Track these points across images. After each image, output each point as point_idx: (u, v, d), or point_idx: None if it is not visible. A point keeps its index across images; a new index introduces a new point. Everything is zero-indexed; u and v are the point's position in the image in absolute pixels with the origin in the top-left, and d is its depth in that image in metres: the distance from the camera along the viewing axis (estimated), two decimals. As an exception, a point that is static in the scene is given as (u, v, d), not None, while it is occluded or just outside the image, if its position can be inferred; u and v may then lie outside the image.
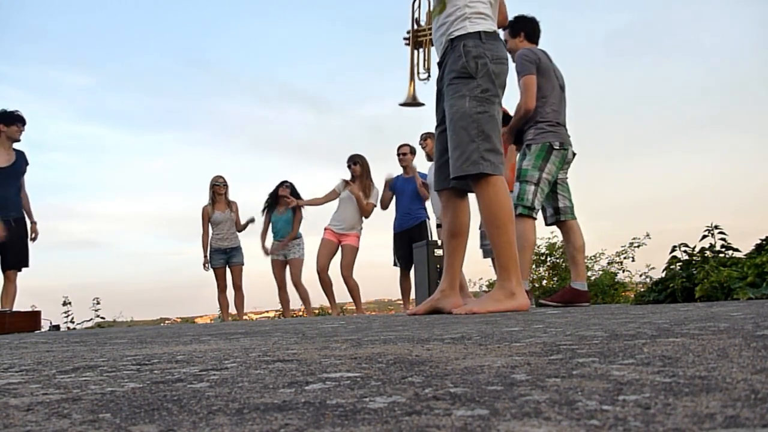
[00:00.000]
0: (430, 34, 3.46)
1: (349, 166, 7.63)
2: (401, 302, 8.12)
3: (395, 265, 7.53)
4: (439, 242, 6.69)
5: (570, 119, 4.52)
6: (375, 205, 7.57)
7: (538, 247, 10.81)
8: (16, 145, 6.14)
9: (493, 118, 2.94)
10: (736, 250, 3.89)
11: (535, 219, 4.34)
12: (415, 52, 3.58)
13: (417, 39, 3.56)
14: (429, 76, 3.55)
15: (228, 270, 7.97)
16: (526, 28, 4.61)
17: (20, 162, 6.14)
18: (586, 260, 10.91)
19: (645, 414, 0.55)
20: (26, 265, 6.12)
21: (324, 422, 0.58)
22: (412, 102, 3.57)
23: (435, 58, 3.39)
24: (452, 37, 3.02)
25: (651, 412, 0.56)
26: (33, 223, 6.31)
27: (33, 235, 6.33)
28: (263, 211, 8.11)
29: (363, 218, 7.63)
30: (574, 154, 4.44)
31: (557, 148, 4.33)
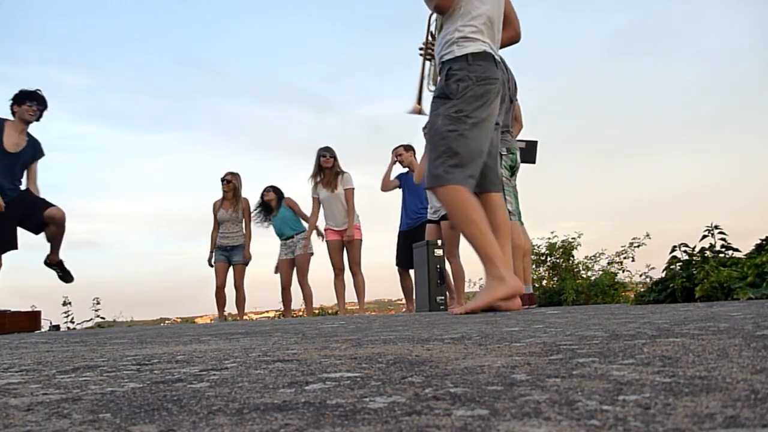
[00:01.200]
0: None
1: (319, 157, 7.62)
2: (401, 302, 8.11)
3: (398, 264, 7.50)
4: (439, 242, 6.67)
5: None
6: (353, 188, 7.56)
7: (538, 247, 10.78)
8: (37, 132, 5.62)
9: (462, 137, 3.07)
10: (736, 250, 3.89)
11: (516, 221, 4.45)
12: (427, 63, 3.69)
13: (430, 51, 3.67)
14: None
15: (231, 268, 7.96)
16: None
17: (28, 151, 5.53)
18: (586, 260, 10.88)
19: (645, 414, 0.55)
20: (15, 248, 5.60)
21: (324, 422, 0.58)
22: (419, 113, 3.72)
23: None
24: (443, 60, 3.18)
25: (651, 412, 0.56)
26: None
27: None
28: (266, 222, 8.11)
29: (354, 206, 7.61)
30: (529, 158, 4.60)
31: (504, 153, 4.49)
